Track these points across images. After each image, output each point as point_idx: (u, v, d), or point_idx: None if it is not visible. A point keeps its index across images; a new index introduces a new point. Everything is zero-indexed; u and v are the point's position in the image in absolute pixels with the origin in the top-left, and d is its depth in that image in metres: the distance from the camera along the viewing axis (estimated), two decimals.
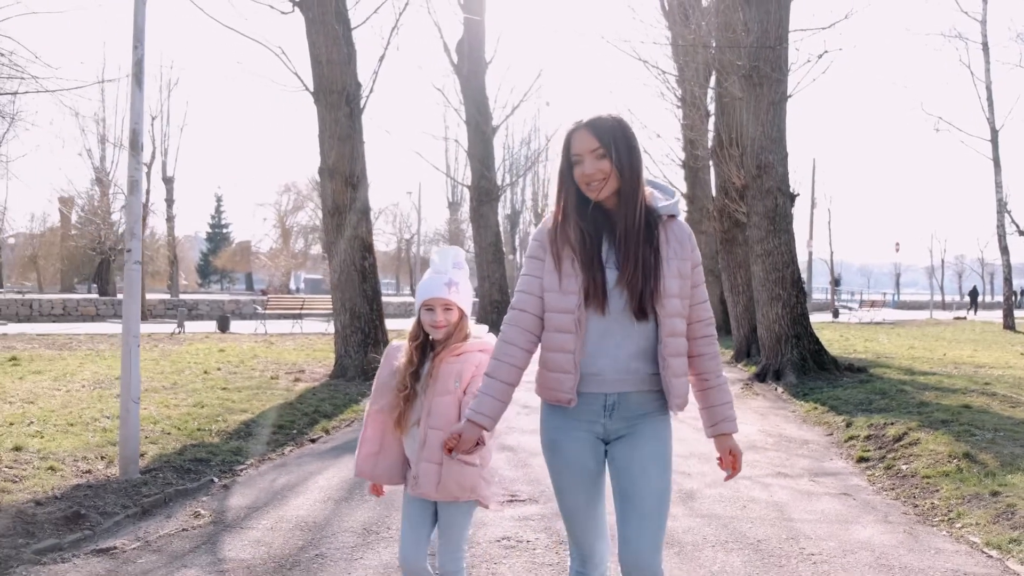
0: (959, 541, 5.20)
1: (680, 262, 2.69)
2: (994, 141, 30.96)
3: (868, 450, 7.82)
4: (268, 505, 5.81)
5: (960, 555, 4.91)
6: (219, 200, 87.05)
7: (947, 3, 71.66)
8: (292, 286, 64.91)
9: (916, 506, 6.06)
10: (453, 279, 3.10)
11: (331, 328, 24.91)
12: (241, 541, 4.97)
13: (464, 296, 3.12)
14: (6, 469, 6.10)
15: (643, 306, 2.60)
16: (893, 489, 6.59)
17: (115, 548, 4.76)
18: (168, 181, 39.22)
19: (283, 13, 12.32)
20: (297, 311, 26.13)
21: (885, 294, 73.49)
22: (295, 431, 8.52)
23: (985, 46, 30.96)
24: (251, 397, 10.15)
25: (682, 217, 2.83)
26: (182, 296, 44.99)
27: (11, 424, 7.75)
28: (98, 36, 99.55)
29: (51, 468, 6.22)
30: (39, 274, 65.15)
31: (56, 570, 4.39)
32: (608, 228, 2.68)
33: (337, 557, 4.65)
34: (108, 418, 8.28)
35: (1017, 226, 45.08)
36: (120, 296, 42.50)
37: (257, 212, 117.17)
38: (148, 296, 33.81)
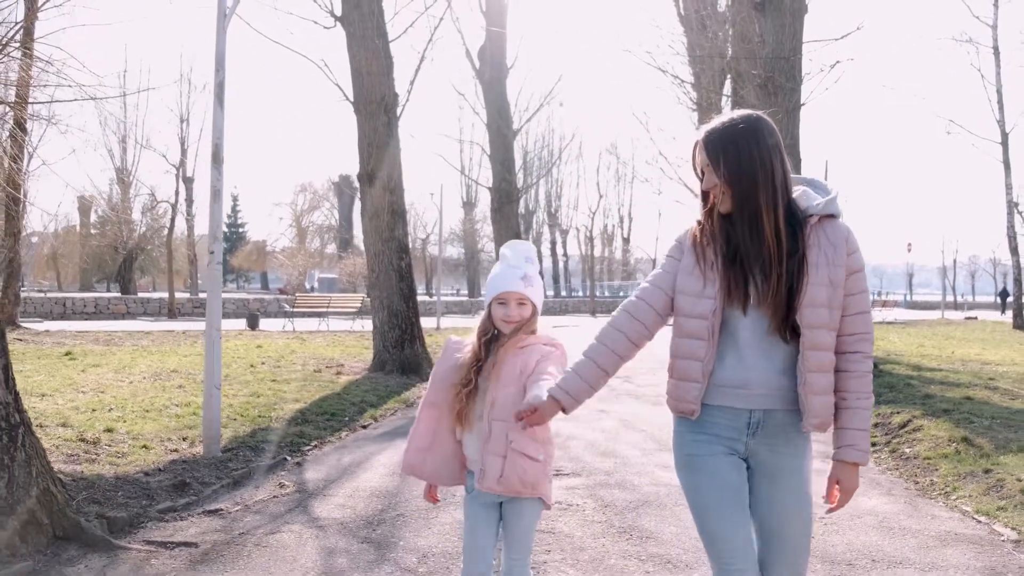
0: (953, 510, 5.91)
1: (832, 268, 2.48)
2: (1004, 144, 31.48)
3: (875, 436, 8.52)
4: (341, 478, 6.57)
5: (953, 520, 5.63)
6: (235, 200, 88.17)
7: (959, 9, 72.26)
8: (306, 285, 65.88)
9: (917, 483, 6.77)
10: (528, 273, 3.03)
11: (356, 326, 25.82)
12: (327, 505, 5.73)
13: (537, 291, 3.05)
14: (106, 447, 6.89)
15: (785, 325, 2.47)
16: (897, 469, 7.30)
17: (221, 510, 5.54)
18: (188, 181, 40.06)
19: (326, 28, 13.13)
20: (323, 309, 26.95)
21: (887, 293, 73.92)
22: (347, 418, 9.27)
23: (996, 50, 31.49)
24: (300, 388, 10.92)
25: (842, 218, 2.60)
26: (203, 295, 45.96)
27: (94, 410, 8.53)
28: (119, 38, 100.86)
29: (144, 447, 7.00)
30: (58, 273, 66.20)
31: (179, 525, 5.17)
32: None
33: (416, 516, 5.41)
34: (177, 405, 9.06)
35: None
36: (141, 294, 43.58)
37: (273, 212, 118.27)
38: (169, 294, 34.69)
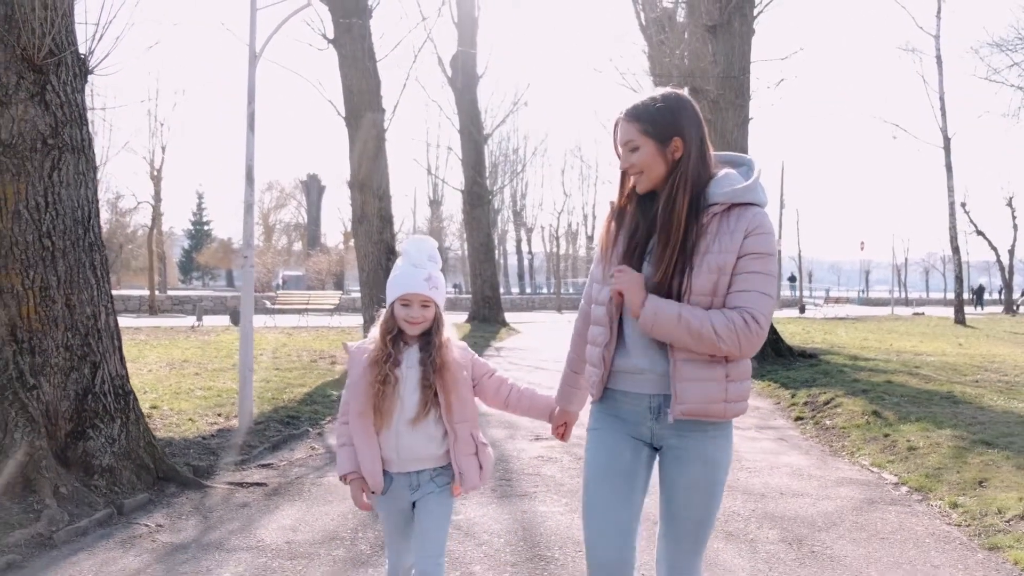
0: (854, 464, 7.43)
1: (722, 255, 2.42)
2: (947, 148, 33.29)
3: (803, 412, 10.06)
4: None
5: (852, 471, 7.14)
6: (201, 197, 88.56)
7: (904, 20, 74.98)
8: (272, 283, 66.71)
9: (831, 446, 8.29)
10: (432, 274, 2.99)
11: (334, 321, 27.08)
12: None
13: (441, 293, 3.02)
14: (159, 420, 8.22)
15: None
16: (817, 437, 8.83)
17: (272, 464, 6.91)
18: (156, 180, 40.73)
19: (320, 50, 14.45)
20: (303, 306, 28.19)
21: (827, 289, 76.32)
22: None
23: (939, 59, 33.30)
24: (303, 375, 12.25)
25: (763, 205, 2.52)
26: (171, 292, 46.84)
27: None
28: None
29: (190, 420, 8.33)
30: None
31: (245, 474, 6.54)
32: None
33: None
34: (201, 389, 10.38)
35: (975, 225, 47.70)
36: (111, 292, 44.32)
37: (239, 209, 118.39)
38: (145, 292, 35.66)
